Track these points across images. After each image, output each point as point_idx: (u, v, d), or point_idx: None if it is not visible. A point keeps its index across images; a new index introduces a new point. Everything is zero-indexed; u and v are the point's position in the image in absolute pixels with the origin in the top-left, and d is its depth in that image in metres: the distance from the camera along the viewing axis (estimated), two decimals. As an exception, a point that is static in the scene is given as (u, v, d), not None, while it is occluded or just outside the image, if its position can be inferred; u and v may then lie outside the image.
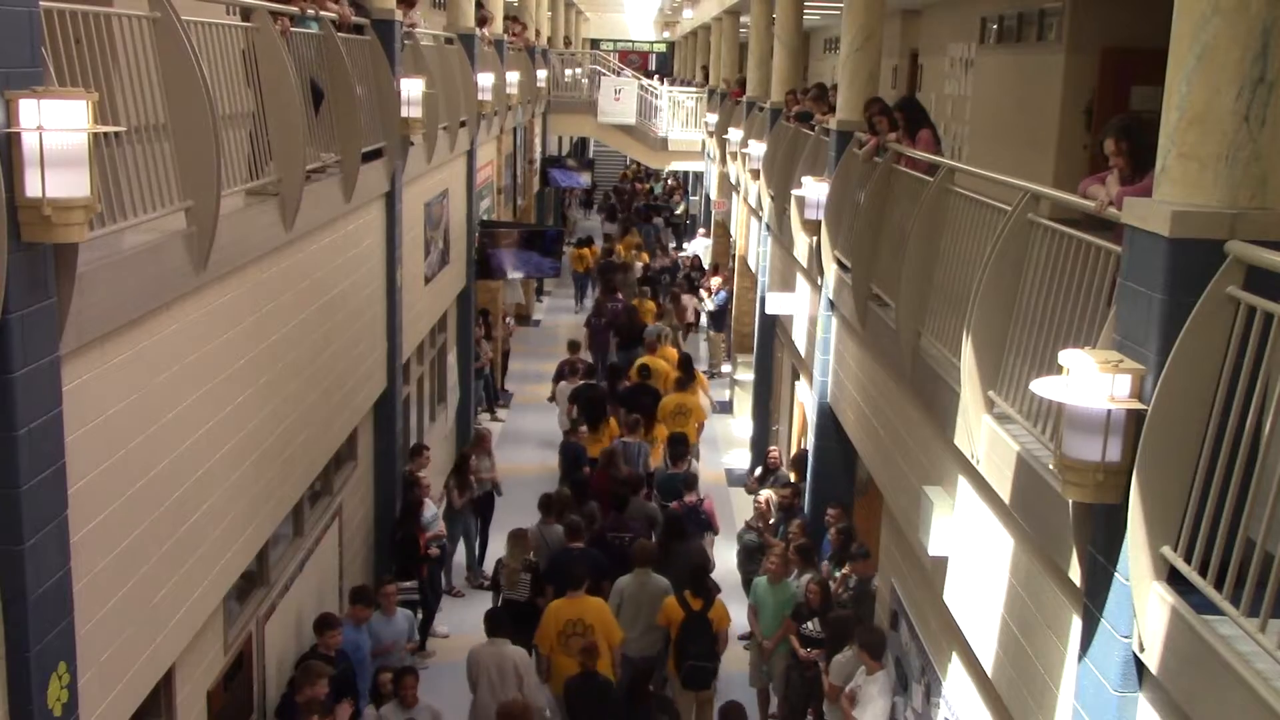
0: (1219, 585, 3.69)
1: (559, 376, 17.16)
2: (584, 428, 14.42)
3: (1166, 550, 3.97)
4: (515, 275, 18.45)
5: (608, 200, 39.91)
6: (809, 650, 9.63)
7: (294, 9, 8.51)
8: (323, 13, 9.14)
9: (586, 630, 9.48)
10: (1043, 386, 4.25)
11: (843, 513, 10.78)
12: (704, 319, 23.43)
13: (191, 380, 6.34)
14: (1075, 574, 4.64)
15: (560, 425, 15.86)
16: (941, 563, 6.74)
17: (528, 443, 17.87)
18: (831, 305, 10.63)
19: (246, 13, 7.52)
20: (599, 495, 12.21)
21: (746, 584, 11.63)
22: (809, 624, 9.73)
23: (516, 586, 10.70)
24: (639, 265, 26.31)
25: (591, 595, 9.84)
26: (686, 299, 23.22)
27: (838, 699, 8.61)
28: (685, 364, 16.28)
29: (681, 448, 13.03)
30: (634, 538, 11.10)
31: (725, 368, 22.65)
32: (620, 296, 20.92)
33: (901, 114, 9.33)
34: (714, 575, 10.77)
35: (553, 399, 17.31)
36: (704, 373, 19.13)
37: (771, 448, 14.44)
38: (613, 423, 14.53)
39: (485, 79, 16.55)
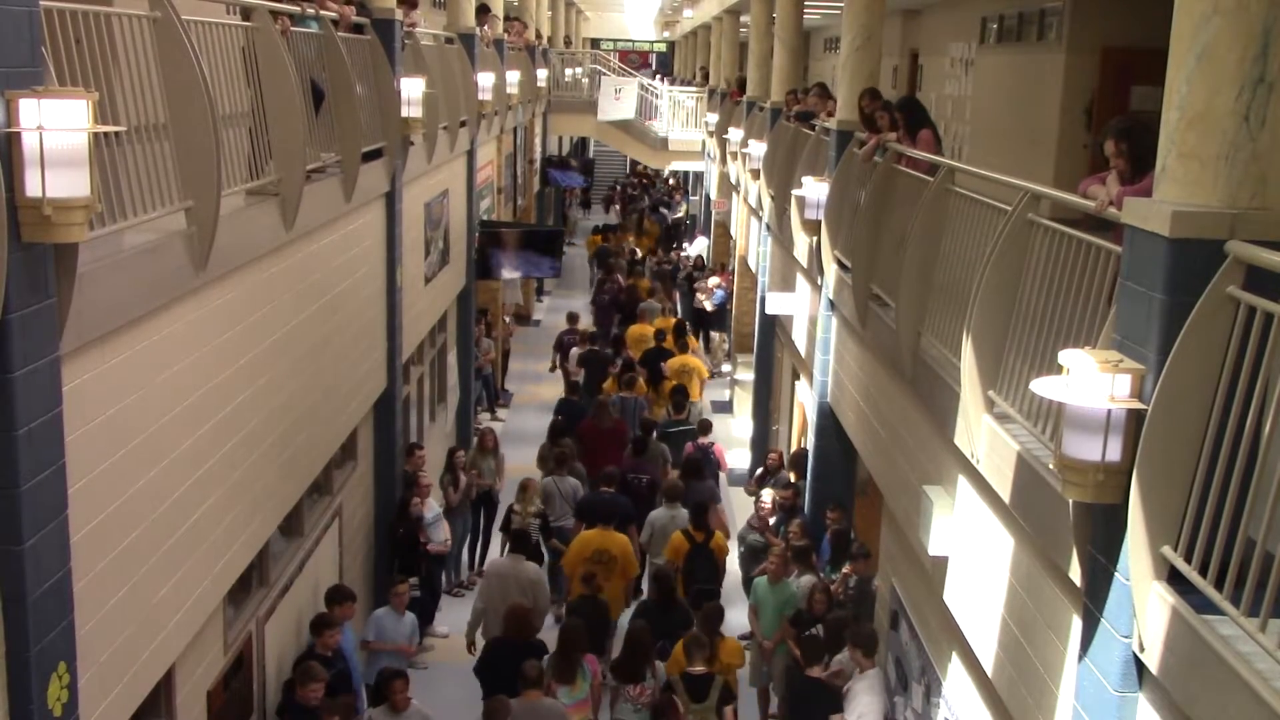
0: (1219, 585, 3.69)
1: (560, 346, 18.95)
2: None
3: (1166, 550, 3.97)
4: (515, 275, 18.48)
5: (613, 193, 40.85)
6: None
7: (294, 8, 8.51)
8: (323, 12, 9.13)
9: (611, 560, 10.74)
10: (1043, 386, 4.25)
11: (841, 515, 10.79)
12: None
13: (191, 380, 6.34)
14: (1075, 574, 4.64)
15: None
16: (941, 563, 6.74)
17: (528, 442, 17.79)
18: (831, 305, 10.63)
19: (246, 12, 7.52)
20: (587, 440, 13.78)
21: (747, 585, 11.68)
22: (813, 629, 9.67)
23: (528, 530, 11.71)
24: (628, 249, 28.54)
25: (619, 532, 11.10)
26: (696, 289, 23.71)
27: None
28: (680, 330, 18.67)
29: (681, 398, 15.03)
30: (651, 479, 12.69)
31: (725, 367, 22.64)
32: (617, 277, 23.36)
33: (902, 114, 9.32)
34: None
35: (554, 369, 19.17)
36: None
37: (773, 450, 14.44)
38: (641, 382, 16.16)
39: (485, 79, 16.54)
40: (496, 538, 13.12)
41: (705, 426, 14.66)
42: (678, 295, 24.12)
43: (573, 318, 20.20)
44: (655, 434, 14.03)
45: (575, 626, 9.30)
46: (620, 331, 19.79)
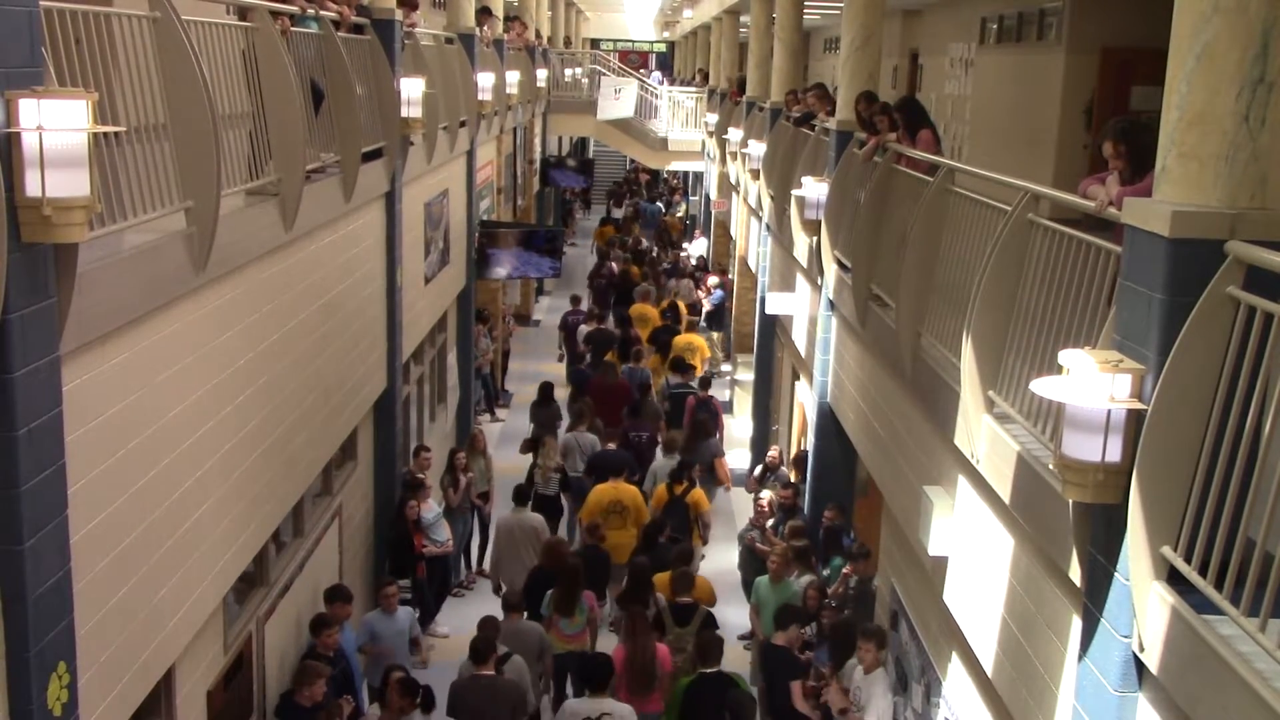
0: (1219, 585, 3.69)
1: (565, 326, 20.72)
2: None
3: (1166, 550, 3.97)
4: (514, 275, 18.51)
5: (616, 188, 41.23)
6: (806, 652, 9.60)
7: (294, 8, 8.51)
8: (323, 12, 9.13)
9: (625, 510, 11.92)
10: (1043, 386, 4.25)
11: (838, 513, 10.78)
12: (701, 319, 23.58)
13: (191, 380, 6.34)
14: (1075, 574, 4.64)
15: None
16: (941, 563, 6.74)
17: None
18: (831, 305, 10.63)
19: (246, 12, 7.52)
20: (594, 394, 15.31)
21: (747, 585, 11.69)
22: (805, 628, 9.67)
23: (549, 484, 13.19)
24: (633, 240, 29.65)
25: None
26: (688, 285, 23.94)
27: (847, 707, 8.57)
28: (674, 311, 20.83)
29: (683, 363, 16.94)
30: (650, 436, 14.20)
31: (725, 367, 22.62)
32: (611, 264, 25.33)
33: (901, 114, 9.32)
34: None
35: (562, 358, 20.77)
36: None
37: (773, 447, 14.46)
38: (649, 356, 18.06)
39: (485, 79, 16.53)
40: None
41: (705, 382, 16.63)
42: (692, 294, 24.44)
43: (576, 299, 21.68)
44: (662, 395, 15.95)
45: (575, 566, 10.31)
46: (621, 311, 21.55)
